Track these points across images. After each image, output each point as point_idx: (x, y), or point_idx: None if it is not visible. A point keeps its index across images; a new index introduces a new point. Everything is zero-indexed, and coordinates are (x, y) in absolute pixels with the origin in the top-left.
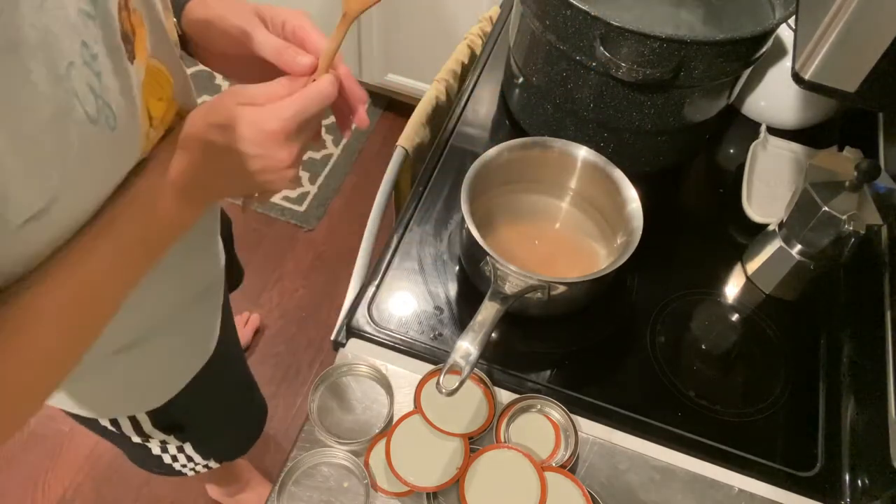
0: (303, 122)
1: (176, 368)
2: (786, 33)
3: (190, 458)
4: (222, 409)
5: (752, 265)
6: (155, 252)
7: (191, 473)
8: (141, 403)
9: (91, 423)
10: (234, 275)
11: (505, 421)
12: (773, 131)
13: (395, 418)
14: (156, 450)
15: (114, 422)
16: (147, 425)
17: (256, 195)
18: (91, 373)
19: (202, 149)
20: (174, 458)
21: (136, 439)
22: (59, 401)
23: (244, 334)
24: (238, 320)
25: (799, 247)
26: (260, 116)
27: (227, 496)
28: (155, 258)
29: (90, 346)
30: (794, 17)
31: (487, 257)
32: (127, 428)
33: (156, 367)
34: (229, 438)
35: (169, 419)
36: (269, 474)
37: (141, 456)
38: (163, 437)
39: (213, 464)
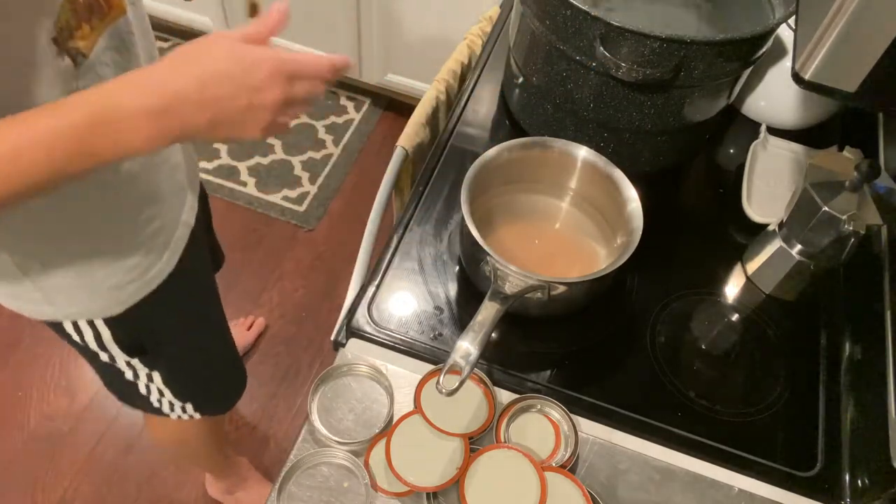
0: (294, 72)
1: (129, 276)
2: (786, 33)
3: (162, 393)
4: (191, 346)
5: (752, 265)
6: (89, 158)
7: (173, 415)
8: (95, 306)
9: (58, 329)
10: (216, 255)
11: (505, 421)
12: (773, 131)
13: (395, 418)
14: (128, 374)
15: (77, 329)
16: (108, 338)
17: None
18: (51, 261)
19: (191, 72)
20: (148, 389)
21: (103, 357)
22: (29, 300)
23: (248, 337)
24: (242, 323)
25: (799, 247)
26: (257, 51)
27: (225, 493)
28: (88, 164)
29: None
30: (794, 17)
31: (487, 257)
32: (90, 338)
33: (109, 269)
34: (204, 385)
35: (129, 337)
36: (269, 474)
37: (117, 382)
38: (126, 357)
39: (191, 410)
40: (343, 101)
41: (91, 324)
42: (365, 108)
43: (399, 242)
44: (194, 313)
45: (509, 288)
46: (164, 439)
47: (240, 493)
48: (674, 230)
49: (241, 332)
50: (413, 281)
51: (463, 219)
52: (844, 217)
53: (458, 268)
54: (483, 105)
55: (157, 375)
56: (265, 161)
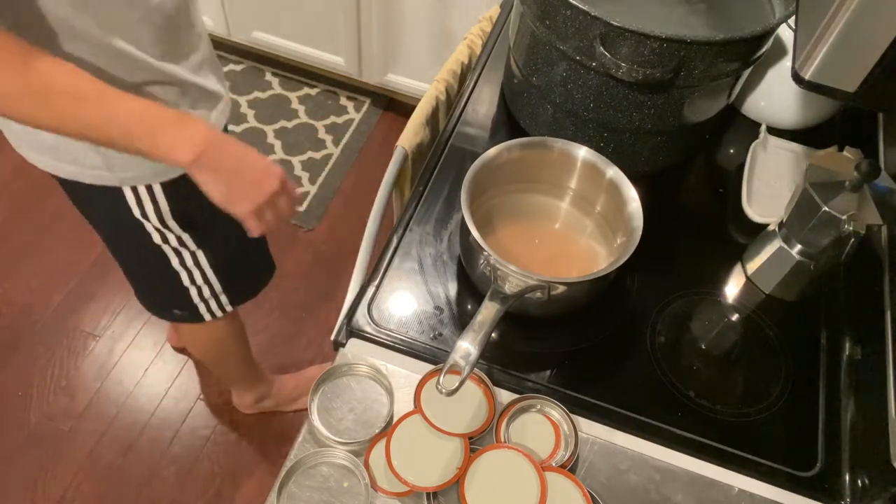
0: (288, 186)
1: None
2: (786, 33)
3: (205, 279)
4: (233, 225)
5: (752, 265)
6: (132, 148)
7: (206, 316)
8: (150, 171)
9: (117, 203)
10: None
11: (505, 421)
12: (773, 131)
13: (395, 418)
14: (174, 261)
15: (137, 198)
16: (165, 209)
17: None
18: None
19: (234, 151)
20: (191, 277)
21: (156, 238)
22: (88, 165)
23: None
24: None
25: (799, 247)
26: (274, 164)
27: (255, 403)
28: (129, 149)
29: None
30: (794, 17)
31: (487, 257)
32: (149, 209)
33: None
34: (241, 270)
35: (183, 208)
36: (270, 474)
37: (158, 280)
38: (179, 232)
39: (225, 302)
40: (343, 101)
41: (150, 190)
42: (365, 108)
43: (399, 242)
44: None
45: (509, 288)
46: (201, 343)
47: (267, 402)
48: (674, 230)
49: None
50: (413, 281)
51: (463, 219)
52: (844, 217)
53: (458, 268)
54: (483, 105)
55: (202, 256)
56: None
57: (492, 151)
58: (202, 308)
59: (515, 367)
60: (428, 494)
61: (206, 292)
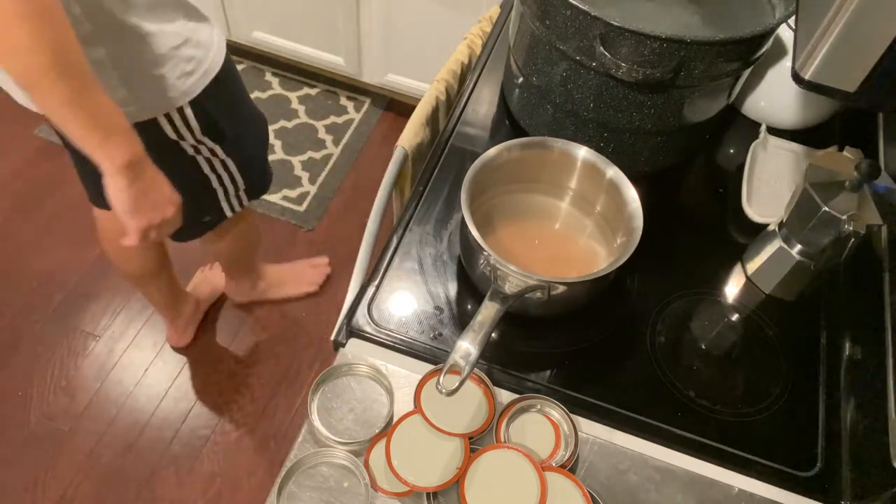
0: (172, 218)
1: (198, 52)
2: (786, 33)
3: (233, 180)
4: (251, 131)
5: (752, 265)
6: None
7: (229, 212)
8: (182, 93)
9: (152, 131)
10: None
11: (505, 421)
12: (773, 131)
13: (395, 418)
14: (205, 168)
15: (170, 121)
16: (195, 126)
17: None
18: (140, 72)
19: (149, 162)
20: (221, 182)
21: (189, 151)
22: (137, 110)
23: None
24: (208, 268)
25: (799, 247)
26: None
27: (251, 290)
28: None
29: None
30: (794, 17)
31: (487, 257)
32: (181, 126)
33: (184, 55)
34: (259, 169)
35: (211, 121)
36: (270, 474)
37: (192, 194)
38: (211, 144)
39: (245, 199)
40: (343, 101)
41: (181, 112)
42: (365, 108)
43: (399, 242)
44: (246, 104)
45: (509, 288)
46: (228, 242)
47: (256, 291)
48: (674, 230)
49: (217, 275)
50: (413, 281)
51: (463, 219)
52: (844, 217)
53: (458, 268)
54: (483, 105)
55: (231, 163)
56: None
57: (492, 151)
58: (226, 208)
59: (515, 367)
60: (428, 494)
61: (231, 192)
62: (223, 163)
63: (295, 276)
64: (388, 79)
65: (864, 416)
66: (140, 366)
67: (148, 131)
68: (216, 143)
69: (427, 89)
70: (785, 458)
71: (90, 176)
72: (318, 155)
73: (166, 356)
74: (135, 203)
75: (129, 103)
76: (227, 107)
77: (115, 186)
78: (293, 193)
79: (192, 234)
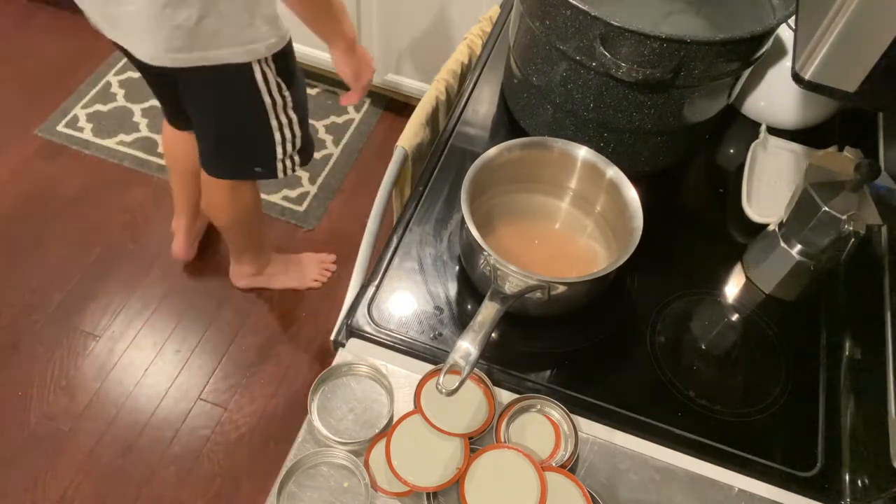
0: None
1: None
2: (786, 33)
3: (293, 134)
4: (305, 98)
5: (752, 265)
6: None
7: (280, 172)
8: (273, 37)
9: (243, 75)
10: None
11: (505, 421)
12: (773, 131)
13: (395, 418)
14: (273, 121)
15: (262, 71)
16: (275, 71)
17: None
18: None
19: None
20: (282, 134)
21: (267, 99)
22: (230, 54)
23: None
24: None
25: (799, 247)
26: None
27: (256, 274)
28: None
29: None
30: (794, 17)
31: (487, 257)
32: (269, 73)
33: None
34: (308, 132)
35: (286, 69)
36: (270, 474)
37: (255, 136)
38: (285, 90)
39: (297, 159)
40: None
41: (265, 59)
42: (365, 108)
43: (399, 242)
44: (296, 64)
45: (509, 288)
46: (240, 205)
47: (269, 266)
48: (674, 230)
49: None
50: (413, 281)
51: (463, 219)
52: (844, 217)
53: (458, 268)
54: (483, 105)
55: (294, 116)
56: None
57: (492, 151)
58: (279, 167)
59: (515, 367)
60: (428, 494)
61: (290, 148)
62: (288, 116)
63: (300, 268)
64: (388, 79)
65: (864, 416)
66: (140, 366)
67: (240, 72)
68: (288, 87)
69: (427, 89)
70: (785, 458)
71: (168, 102)
72: (318, 155)
73: (166, 356)
74: (357, 68)
75: (233, 44)
76: (292, 53)
77: (343, 59)
78: (293, 193)
79: (240, 175)
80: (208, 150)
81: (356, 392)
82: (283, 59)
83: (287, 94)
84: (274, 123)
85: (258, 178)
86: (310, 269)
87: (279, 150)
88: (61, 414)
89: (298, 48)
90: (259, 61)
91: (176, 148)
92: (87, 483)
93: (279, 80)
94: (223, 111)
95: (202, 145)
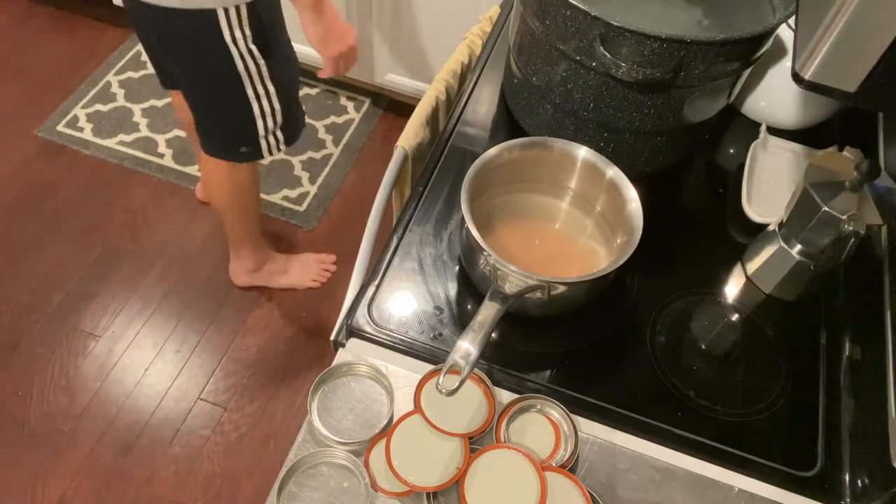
0: (353, 46)
1: None
2: (786, 33)
3: (273, 109)
4: (289, 58)
5: (752, 265)
6: None
7: (266, 151)
8: None
9: (207, 24)
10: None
11: (505, 421)
12: (773, 131)
13: (395, 418)
14: (249, 89)
15: (227, 16)
16: (248, 35)
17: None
18: None
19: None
20: (261, 108)
21: (240, 65)
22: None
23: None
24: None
25: (799, 247)
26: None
27: (254, 271)
28: None
29: None
30: (794, 17)
31: (487, 257)
32: (238, 34)
33: None
34: (292, 107)
35: (262, 35)
36: (270, 474)
37: (234, 108)
38: (259, 57)
39: (282, 140)
40: (343, 101)
41: (238, 13)
42: (365, 108)
43: (399, 242)
44: (285, 33)
45: (509, 288)
46: (234, 186)
47: (259, 275)
48: (674, 230)
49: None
50: (413, 281)
51: (463, 219)
52: (844, 217)
53: (458, 268)
54: (483, 105)
55: (272, 88)
56: (265, 161)
57: (492, 151)
58: (264, 144)
59: (515, 367)
60: (428, 494)
61: (270, 124)
62: (265, 87)
63: (300, 268)
64: (388, 79)
65: (864, 416)
66: (140, 366)
67: (208, 25)
68: (263, 56)
69: (427, 89)
70: (785, 458)
71: (160, 66)
72: (318, 155)
73: (166, 356)
74: (324, 34)
75: None
76: (272, 23)
77: (309, 21)
78: (293, 193)
79: (229, 154)
80: (198, 122)
81: (356, 392)
82: (257, 24)
83: (262, 62)
84: (250, 92)
85: (246, 158)
86: (309, 269)
87: (260, 123)
88: (61, 414)
89: (298, 48)
90: (226, 12)
91: (182, 105)
92: (87, 483)
93: (252, 46)
94: (198, 72)
95: (193, 116)
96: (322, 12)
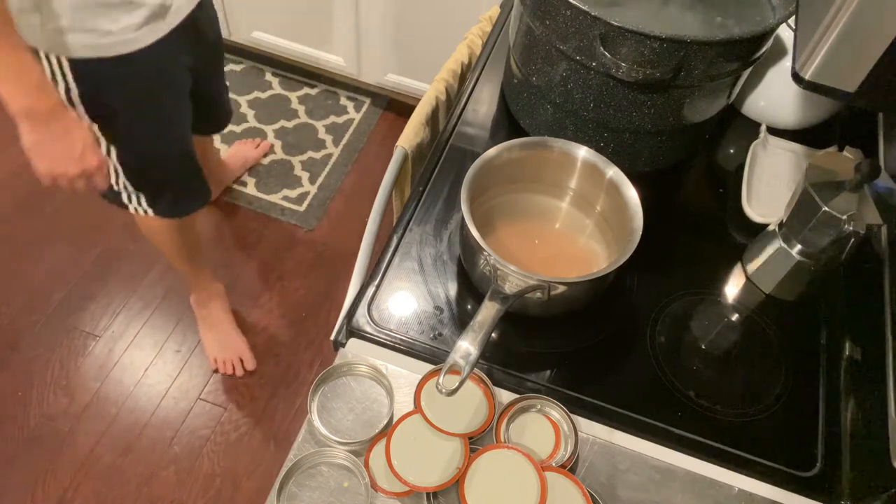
0: (80, 174)
1: (110, 27)
2: (786, 33)
3: (118, 173)
4: (143, 133)
5: (752, 265)
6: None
7: (130, 207)
8: (61, 40)
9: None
10: (221, 115)
11: (505, 421)
12: (773, 131)
13: (395, 418)
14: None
15: (48, 61)
16: (74, 89)
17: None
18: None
19: (67, 117)
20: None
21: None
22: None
23: (254, 153)
24: (251, 142)
25: (799, 247)
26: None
27: (197, 304)
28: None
29: None
30: (794, 17)
31: (487, 257)
32: (60, 85)
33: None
34: (155, 180)
35: (91, 91)
36: (270, 474)
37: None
38: (86, 118)
39: (145, 204)
40: (343, 101)
41: (59, 63)
42: (365, 108)
43: (399, 242)
44: (153, 102)
45: (509, 288)
46: (145, 232)
47: (213, 303)
48: (674, 230)
49: (249, 149)
50: (413, 281)
51: (463, 219)
52: (844, 217)
53: (458, 268)
54: (483, 105)
55: (114, 151)
56: (265, 161)
57: (492, 151)
58: (124, 196)
59: (515, 367)
60: (428, 494)
61: (122, 185)
62: (107, 149)
63: (220, 341)
64: (388, 79)
65: (864, 416)
66: (140, 366)
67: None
68: (93, 120)
69: (427, 89)
70: (785, 458)
71: None
72: (318, 155)
73: (166, 356)
74: (36, 148)
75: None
76: (120, 86)
77: (20, 129)
78: (293, 193)
79: (106, 196)
80: None
81: (356, 392)
82: (96, 74)
83: (99, 135)
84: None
85: (118, 203)
86: (225, 349)
87: (112, 179)
88: (61, 414)
89: (298, 47)
90: (47, 56)
91: None
92: (87, 483)
93: (81, 107)
94: None
95: None
96: (43, 125)
